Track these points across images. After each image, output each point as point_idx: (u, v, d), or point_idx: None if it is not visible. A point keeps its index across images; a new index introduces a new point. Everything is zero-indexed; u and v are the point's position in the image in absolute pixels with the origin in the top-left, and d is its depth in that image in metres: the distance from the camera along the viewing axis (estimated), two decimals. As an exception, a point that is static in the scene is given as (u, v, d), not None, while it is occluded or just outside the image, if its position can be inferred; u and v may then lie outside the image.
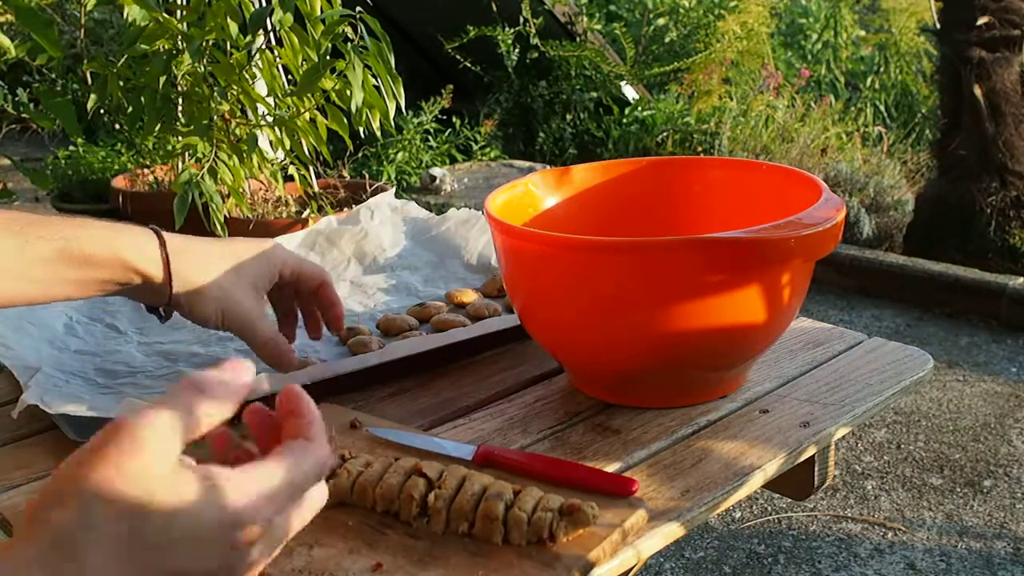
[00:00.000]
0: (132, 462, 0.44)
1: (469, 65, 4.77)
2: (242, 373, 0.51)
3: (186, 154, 1.35)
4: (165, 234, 0.83)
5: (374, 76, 1.18)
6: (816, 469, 0.88)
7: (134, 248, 0.80)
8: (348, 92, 1.16)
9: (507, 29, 4.62)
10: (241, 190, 1.34)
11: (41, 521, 0.44)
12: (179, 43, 1.26)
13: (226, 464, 0.49)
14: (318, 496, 0.53)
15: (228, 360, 0.51)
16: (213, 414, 0.49)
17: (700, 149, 4.35)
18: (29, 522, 0.45)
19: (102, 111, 1.30)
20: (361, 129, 1.21)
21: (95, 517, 0.43)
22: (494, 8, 4.60)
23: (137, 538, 0.44)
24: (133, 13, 1.24)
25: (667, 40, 5.20)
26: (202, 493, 0.46)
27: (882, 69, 5.40)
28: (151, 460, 0.45)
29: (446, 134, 4.67)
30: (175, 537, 0.45)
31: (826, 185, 0.86)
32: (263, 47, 1.28)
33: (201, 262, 0.84)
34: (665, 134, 4.49)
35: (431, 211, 1.34)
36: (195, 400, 0.48)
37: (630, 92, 4.82)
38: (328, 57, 1.17)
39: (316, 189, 1.50)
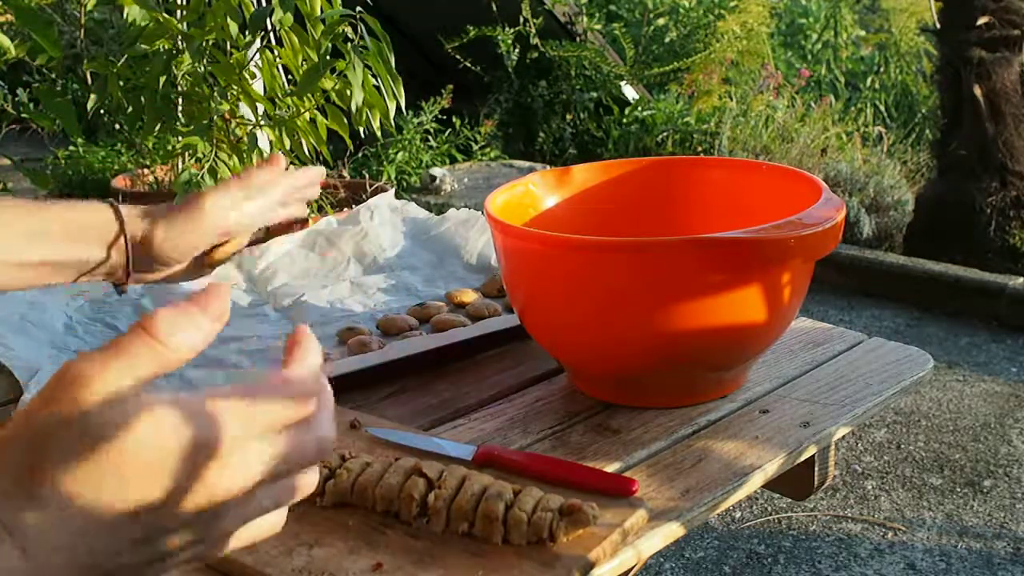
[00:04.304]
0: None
1: (469, 65, 4.77)
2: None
3: (186, 154, 1.35)
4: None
5: (374, 76, 1.18)
6: (816, 469, 0.88)
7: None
8: (348, 92, 1.16)
9: (507, 29, 4.61)
10: (241, 190, 1.34)
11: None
12: (179, 43, 1.26)
13: None
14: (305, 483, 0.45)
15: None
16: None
17: (700, 149, 4.35)
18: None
19: (102, 111, 1.30)
20: (361, 129, 1.21)
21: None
22: (494, 8, 4.59)
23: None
24: (133, 13, 1.24)
25: (667, 40, 5.19)
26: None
27: (882, 69, 5.40)
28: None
29: (446, 134, 4.67)
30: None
31: (826, 185, 0.86)
32: (263, 47, 1.28)
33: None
34: (665, 134, 4.49)
35: (431, 211, 1.33)
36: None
37: (630, 92, 4.82)
38: (328, 57, 1.17)
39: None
